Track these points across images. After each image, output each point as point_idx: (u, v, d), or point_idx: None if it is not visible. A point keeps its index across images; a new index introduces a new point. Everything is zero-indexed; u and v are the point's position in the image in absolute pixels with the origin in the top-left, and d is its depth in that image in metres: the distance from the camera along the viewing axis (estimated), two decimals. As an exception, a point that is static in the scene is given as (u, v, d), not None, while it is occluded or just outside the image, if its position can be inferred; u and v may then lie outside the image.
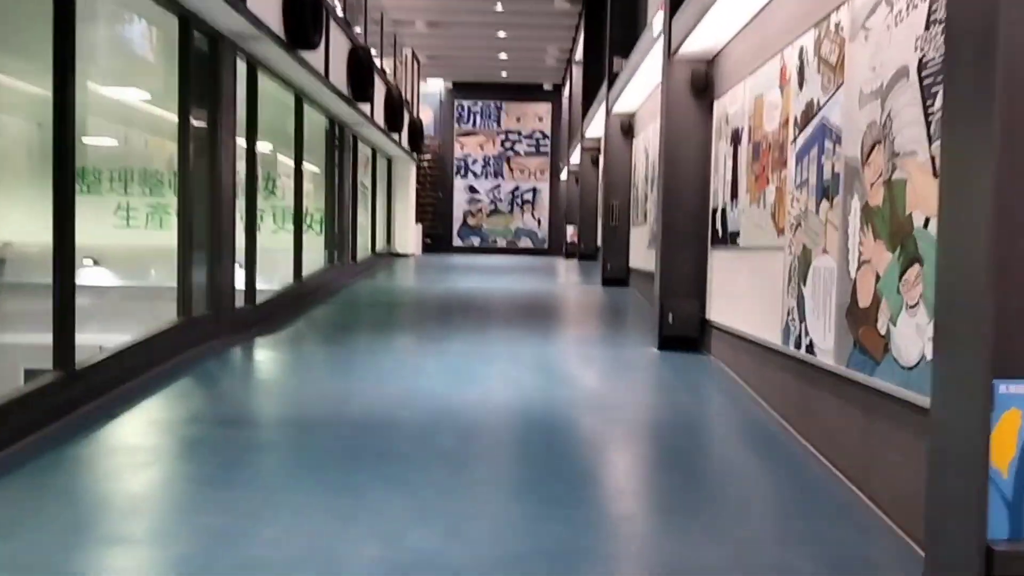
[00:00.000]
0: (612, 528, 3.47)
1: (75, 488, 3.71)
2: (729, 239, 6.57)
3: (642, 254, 11.20)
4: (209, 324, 7.19)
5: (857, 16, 4.06)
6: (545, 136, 28.51)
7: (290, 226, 11.18)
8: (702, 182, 7.36)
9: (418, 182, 23.07)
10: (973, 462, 2.25)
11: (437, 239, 27.51)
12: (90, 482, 3.86)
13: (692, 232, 7.43)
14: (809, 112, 4.77)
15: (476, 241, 28.66)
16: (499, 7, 18.97)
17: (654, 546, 3.27)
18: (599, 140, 17.26)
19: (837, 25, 4.35)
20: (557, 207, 27.96)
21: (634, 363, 7.13)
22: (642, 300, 10.85)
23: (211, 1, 6.43)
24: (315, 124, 11.67)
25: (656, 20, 8.01)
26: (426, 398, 5.43)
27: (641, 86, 10.55)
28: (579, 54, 21.56)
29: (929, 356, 2.96)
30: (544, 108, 28.39)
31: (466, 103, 28.55)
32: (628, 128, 12.30)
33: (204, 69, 7.06)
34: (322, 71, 9.70)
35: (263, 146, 9.99)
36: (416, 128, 18.52)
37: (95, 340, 5.96)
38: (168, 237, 7.06)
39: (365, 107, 12.49)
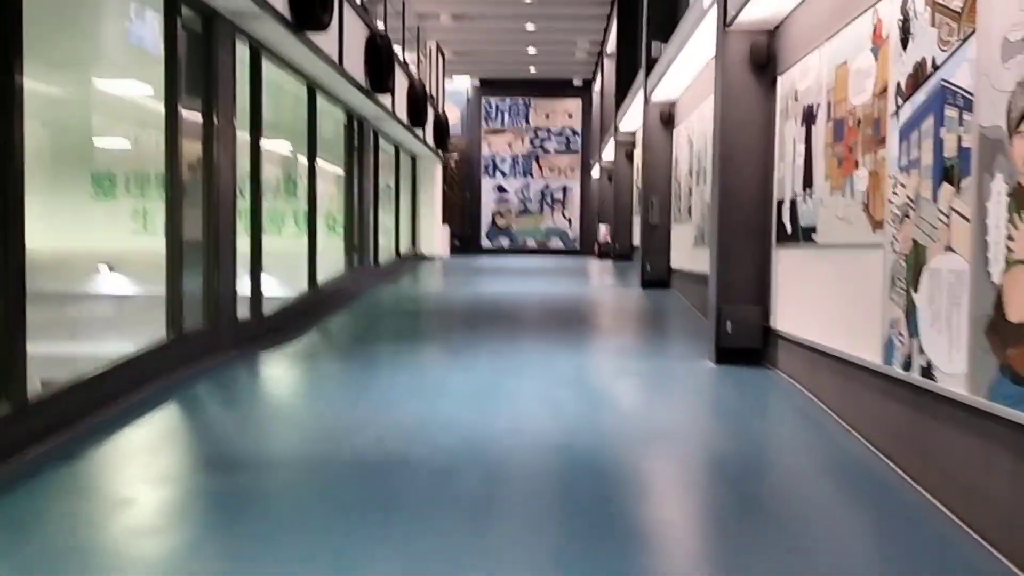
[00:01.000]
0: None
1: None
2: (801, 235, 5.60)
3: (686, 254, 10.24)
4: (205, 339, 6.39)
5: (1001, -61, 3.10)
6: (575, 133, 27.57)
7: (325, 229, 10.42)
8: (764, 171, 6.41)
9: (445, 182, 22.26)
10: None
11: (465, 240, 26.70)
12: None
13: (753, 228, 6.47)
14: (919, 75, 3.80)
15: (505, 242, 27.80)
16: (527, -2, 18.08)
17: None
18: (634, 134, 16.31)
19: (966, -42, 3.39)
20: (588, 206, 27.02)
21: (689, 380, 6.19)
22: (687, 304, 9.89)
23: (200, -29, 5.63)
24: (332, 118, 10.88)
25: (707, -12, 7.08)
26: (447, 428, 4.55)
27: (684, 69, 9.59)
28: (611, 46, 20.60)
29: None
30: (574, 104, 27.45)
31: (494, 100, 27.70)
32: (668, 118, 11.34)
33: (196, 51, 6.26)
34: (335, 58, 8.87)
35: (281, 144, 9.22)
36: (442, 124, 17.68)
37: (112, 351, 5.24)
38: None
39: (386, 100, 11.67)
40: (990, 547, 3.02)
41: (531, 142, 27.71)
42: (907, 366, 3.86)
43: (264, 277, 8.81)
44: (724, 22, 6.40)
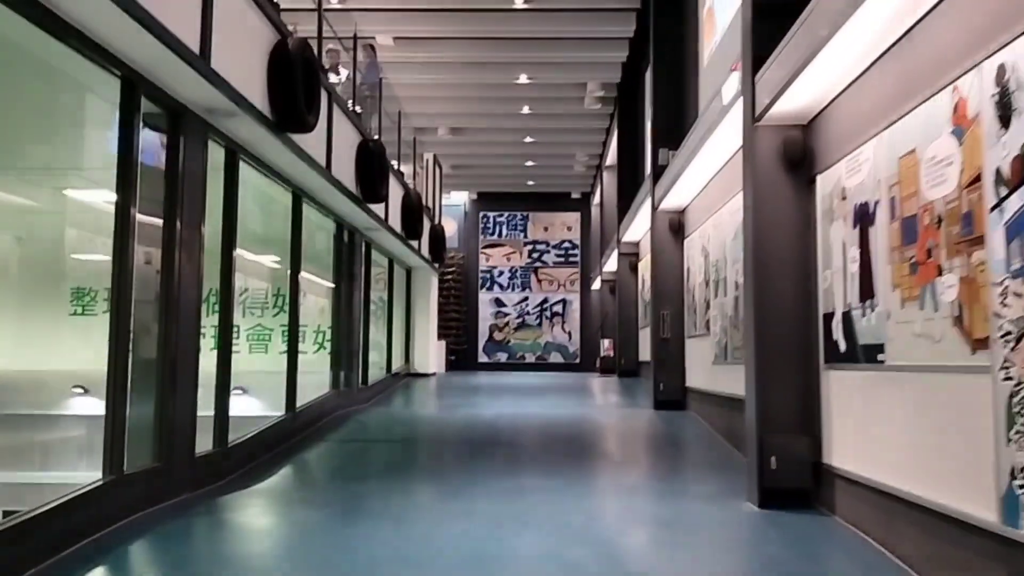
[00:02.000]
0: None
1: None
2: (862, 354, 4.71)
3: (705, 372, 9.32)
4: (154, 479, 5.38)
5: None
6: (574, 246, 27.13)
7: (311, 346, 9.56)
8: (804, 280, 5.60)
9: (441, 296, 21.54)
10: None
11: (461, 355, 25.77)
12: None
13: (795, 346, 5.60)
14: (1033, 157, 3.02)
15: (503, 357, 26.87)
16: (526, 109, 17.89)
17: None
18: (637, 244, 15.72)
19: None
20: (589, 319, 26.26)
21: (730, 531, 5.16)
22: (708, 430, 8.89)
23: (163, 60, 4.96)
24: (320, 227, 10.17)
25: (730, 84, 6.47)
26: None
27: (697, 174, 8.97)
28: (611, 158, 20.37)
29: None
30: (572, 217, 27.14)
31: (491, 214, 27.41)
32: (678, 227, 10.67)
33: (158, 147, 5.54)
34: (323, 163, 8.22)
35: (261, 254, 8.46)
36: (438, 236, 17.09)
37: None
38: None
39: (378, 209, 11.01)
40: None
41: (530, 255, 27.23)
42: (1050, 533, 2.90)
43: (235, 401, 7.87)
44: (753, 116, 5.73)
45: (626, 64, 15.36)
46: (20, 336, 7.10)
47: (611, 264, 19.42)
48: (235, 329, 7.24)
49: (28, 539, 4.02)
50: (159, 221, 5.59)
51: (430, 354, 18.06)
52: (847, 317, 4.95)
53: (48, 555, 4.12)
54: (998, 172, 3.27)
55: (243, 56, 6.04)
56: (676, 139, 10.75)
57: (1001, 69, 3.26)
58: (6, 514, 4.66)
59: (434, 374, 18.02)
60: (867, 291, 4.65)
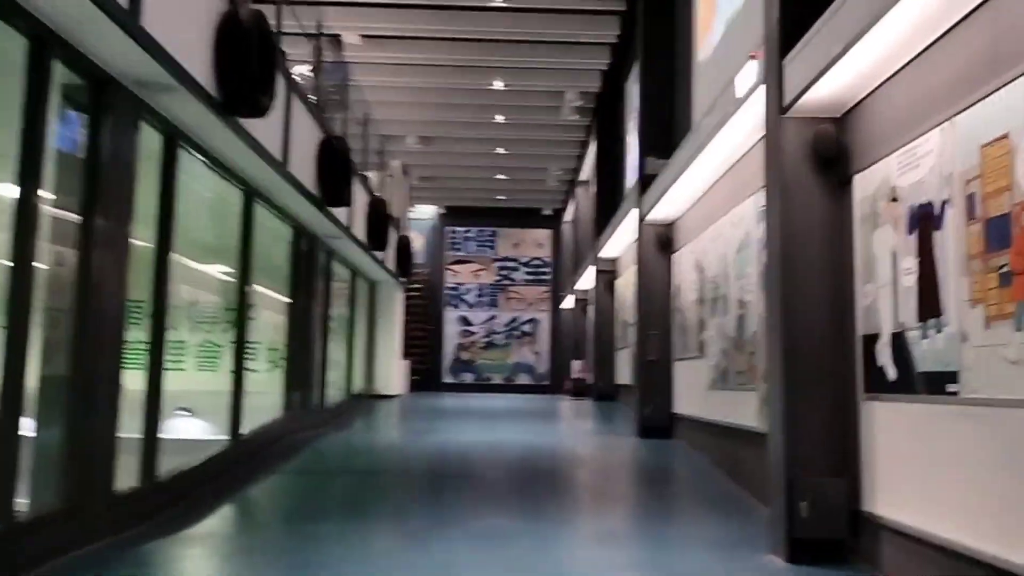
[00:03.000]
0: None
1: None
2: (922, 384, 3.93)
3: (699, 397, 8.53)
4: (59, 527, 4.40)
5: None
6: (545, 263, 26.36)
7: (263, 364, 8.62)
8: (836, 297, 4.83)
9: (406, 313, 20.58)
10: None
11: (426, 376, 24.77)
12: None
13: (827, 373, 4.82)
14: None
15: (469, 378, 25.93)
16: (500, 119, 17.11)
17: None
18: (615, 261, 14.98)
19: None
20: (559, 340, 25.48)
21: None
22: (703, 462, 8.08)
23: (83, 15, 4.04)
24: (274, 233, 9.22)
25: (746, 73, 5.71)
26: None
27: (692, 183, 8.23)
28: (586, 172, 19.71)
29: None
30: (544, 234, 26.39)
31: (459, 229, 26.56)
32: (666, 240, 9.92)
33: (73, 123, 4.61)
34: (279, 156, 7.30)
35: (204, 260, 7.49)
36: (405, 248, 16.19)
37: None
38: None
39: (341, 215, 10.10)
40: None
41: (499, 272, 26.41)
42: None
43: (179, 424, 6.90)
44: (780, 107, 4.96)
45: (607, 71, 14.69)
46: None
47: (585, 282, 18.68)
48: (181, 344, 6.35)
49: None
50: (76, 217, 4.65)
51: (394, 374, 17.10)
52: (899, 339, 4.17)
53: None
54: None
55: (184, 19, 5.13)
56: (665, 147, 10.04)
57: None
58: None
59: (398, 396, 17.04)
60: (930, 308, 3.87)
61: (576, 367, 20.15)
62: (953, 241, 3.68)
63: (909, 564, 4.07)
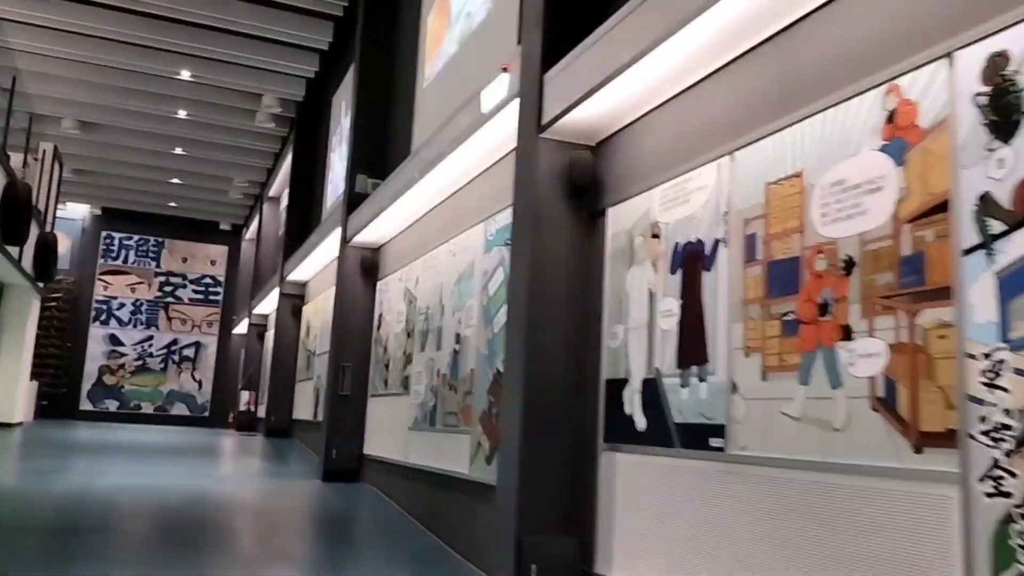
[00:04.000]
0: None
1: None
2: (678, 436, 3.61)
3: (395, 438, 7.82)
4: None
5: None
6: (217, 283, 24.09)
7: None
8: (578, 337, 4.45)
9: (40, 327, 17.25)
10: None
11: (58, 401, 21.11)
12: None
13: (562, 418, 4.39)
14: None
15: (113, 405, 22.67)
16: (183, 114, 15.18)
17: None
18: (305, 285, 13.88)
19: None
20: (226, 368, 23.30)
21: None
22: (396, 510, 7.35)
23: None
24: None
25: (494, 88, 5.22)
26: None
27: (409, 206, 7.61)
28: (275, 188, 18.31)
29: None
30: (219, 250, 24.14)
31: (117, 235, 23.35)
32: (371, 266, 9.18)
33: None
34: None
35: None
36: (49, 247, 13.49)
37: None
38: None
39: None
40: None
41: (161, 288, 23.57)
42: None
43: None
44: (538, 125, 4.52)
45: (313, 80, 13.68)
46: None
47: (266, 306, 17.19)
48: None
49: None
50: None
51: (17, 399, 14.09)
52: (652, 386, 3.85)
53: None
54: (984, 201, 2.35)
55: None
56: (378, 166, 9.37)
57: (995, 60, 2.38)
58: None
59: (20, 424, 14.04)
60: (693, 354, 3.59)
61: (245, 398, 18.41)
62: (726, 283, 3.43)
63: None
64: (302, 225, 14.22)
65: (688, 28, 3.36)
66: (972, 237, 2.38)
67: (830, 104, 2.97)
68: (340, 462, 8.93)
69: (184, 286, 23.85)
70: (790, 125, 3.16)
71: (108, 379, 22.96)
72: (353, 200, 9.25)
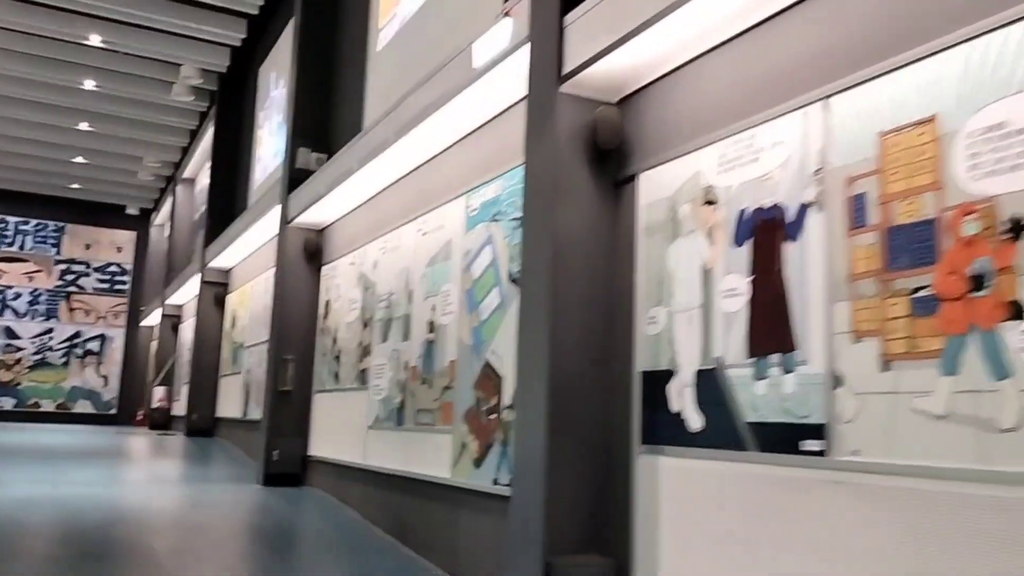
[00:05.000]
0: None
1: None
2: (753, 438, 3.04)
3: (351, 439, 7.04)
4: None
5: None
6: (124, 271, 22.44)
7: None
8: (607, 323, 3.83)
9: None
10: None
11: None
12: None
13: (586, 418, 3.76)
14: None
15: (8, 403, 20.91)
16: (90, 84, 13.78)
17: None
18: (228, 272, 12.81)
19: None
20: (134, 361, 21.78)
21: None
22: (356, 519, 6.58)
23: None
24: None
25: (492, 38, 4.51)
26: None
27: (367, 181, 6.83)
28: (190, 170, 17.02)
29: None
30: (126, 236, 22.49)
31: (12, 219, 21.47)
32: (316, 250, 8.31)
33: None
34: None
35: None
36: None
37: None
38: None
39: None
40: None
41: (61, 277, 21.78)
42: None
43: None
44: (558, 76, 3.86)
45: (239, 49, 12.57)
46: None
47: (182, 295, 15.93)
48: None
49: None
50: None
51: None
52: (709, 379, 3.26)
53: None
54: None
55: None
56: (321, 140, 8.52)
57: None
58: None
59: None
60: (772, 341, 3.01)
61: (159, 394, 17.07)
62: (822, 255, 2.86)
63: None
64: (226, 207, 13.13)
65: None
66: None
67: (981, 31, 2.42)
68: (282, 465, 8.07)
69: (87, 275, 22.12)
70: (914, 62, 2.61)
71: (3, 375, 21.13)
72: (295, 177, 8.36)
